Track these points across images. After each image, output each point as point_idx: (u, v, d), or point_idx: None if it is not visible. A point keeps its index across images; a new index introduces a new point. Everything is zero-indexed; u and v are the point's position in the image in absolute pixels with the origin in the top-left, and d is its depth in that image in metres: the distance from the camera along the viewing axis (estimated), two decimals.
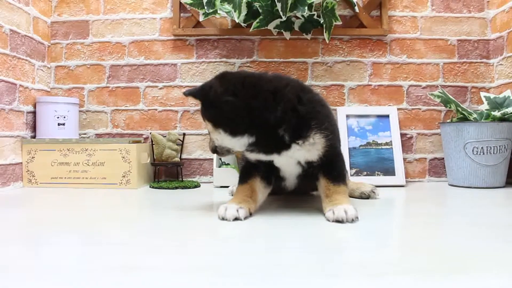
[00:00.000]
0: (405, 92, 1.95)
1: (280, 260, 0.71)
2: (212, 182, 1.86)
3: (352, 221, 1.03)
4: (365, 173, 1.83)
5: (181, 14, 1.94)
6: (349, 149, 1.87)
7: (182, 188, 1.73)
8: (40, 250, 0.78)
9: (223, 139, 1.12)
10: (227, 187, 1.70)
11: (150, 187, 1.78)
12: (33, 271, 0.66)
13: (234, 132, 1.10)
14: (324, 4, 1.84)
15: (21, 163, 1.79)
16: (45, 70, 1.97)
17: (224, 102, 1.08)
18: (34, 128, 1.86)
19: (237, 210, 1.07)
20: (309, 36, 1.89)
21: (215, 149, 1.19)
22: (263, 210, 1.18)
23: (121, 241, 0.85)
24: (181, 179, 1.88)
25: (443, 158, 1.93)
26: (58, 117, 1.84)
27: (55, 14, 2.00)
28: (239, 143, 1.11)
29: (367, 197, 1.43)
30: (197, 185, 1.78)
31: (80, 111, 1.98)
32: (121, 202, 1.38)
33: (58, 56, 2.00)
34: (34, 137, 1.86)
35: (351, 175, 1.82)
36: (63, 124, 1.86)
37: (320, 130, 1.09)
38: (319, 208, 1.16)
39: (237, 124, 1.09)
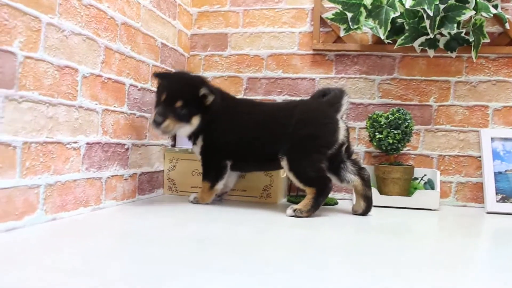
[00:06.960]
0: None
1: None
2: (350, 200, 1.84)
3: None
4: None
5: (321, 29, 1.93)
6: (495, 173, 1.78)
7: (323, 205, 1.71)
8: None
9: None
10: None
11: (287, 201, 1.78)
12: None
13: None
14: (473, 21, 1.77)
15: (163, 171, 1.84)
16: None
17: None
18: (174, 137, 1.91)
19: None
20: (454, 54, 1.82)
21: None
22: None
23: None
24: None
25: None
26: None
27: (195, 26, 2.06)
28: None
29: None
30: (335, 203, 1.76)
31: None
32: (270, 214, 1.38)
33: (196, 68, 2.05)
34: (174, 145, 1.91)
35: (497, 201, 1.73)
36: None
37: None
38: None
39: None
